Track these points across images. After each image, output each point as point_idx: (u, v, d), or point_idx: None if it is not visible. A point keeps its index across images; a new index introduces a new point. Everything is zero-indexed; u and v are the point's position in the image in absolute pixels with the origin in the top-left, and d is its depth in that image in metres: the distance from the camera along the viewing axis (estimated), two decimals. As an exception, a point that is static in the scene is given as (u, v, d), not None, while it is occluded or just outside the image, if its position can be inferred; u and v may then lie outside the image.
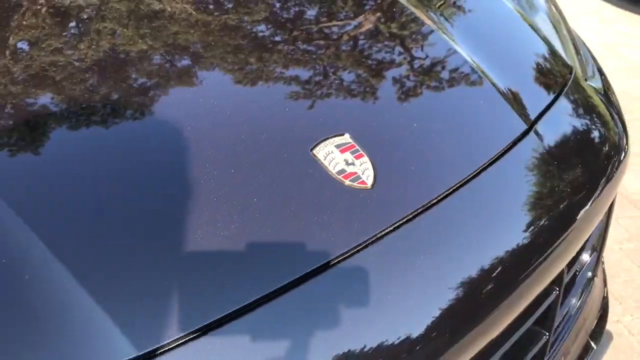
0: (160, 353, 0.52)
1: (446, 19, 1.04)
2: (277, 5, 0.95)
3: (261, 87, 0.77)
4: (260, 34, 0.86)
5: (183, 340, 0.53)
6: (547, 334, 0.92)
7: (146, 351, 0.51)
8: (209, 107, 0.72)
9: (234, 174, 0.65)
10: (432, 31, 0.97)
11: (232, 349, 0.55)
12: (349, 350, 0.59)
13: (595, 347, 1.11)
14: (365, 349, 0.60)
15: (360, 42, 0.90)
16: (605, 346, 1.15)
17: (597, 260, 1.14)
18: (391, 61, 0.88)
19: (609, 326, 1.72)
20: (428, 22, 1.00)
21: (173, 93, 0.73)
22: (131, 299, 0.54)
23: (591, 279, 1.13)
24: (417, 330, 0.64)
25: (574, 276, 1.02)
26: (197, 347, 0.54)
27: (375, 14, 0.99)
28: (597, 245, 1.10)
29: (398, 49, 0.91)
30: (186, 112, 0.71)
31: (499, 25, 1.09)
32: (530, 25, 1.13)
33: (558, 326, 0.98)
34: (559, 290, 0.88)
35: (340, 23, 0.94)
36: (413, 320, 0.65)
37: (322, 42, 0.88)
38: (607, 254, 2.10)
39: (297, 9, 0.97)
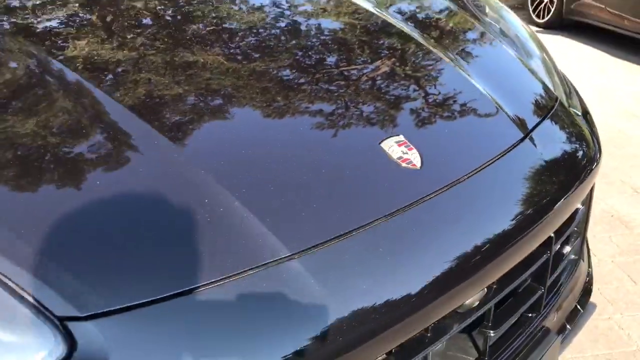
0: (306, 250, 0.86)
1: (462, 59, 1.42)
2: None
3: (343, 105, 1.15)
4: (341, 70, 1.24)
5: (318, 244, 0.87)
6: (542, 288, 1.26)
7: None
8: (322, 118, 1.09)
9: (342, 155, 1.02)
10: (451, 67, 1.35)
11: (343, 259, 0.89)
12: (400, 271, 0.93)
13: (582, 310, 1.44)
14: (412, 275, 0.94)
15: (406, 74, 1.28)
16: (590, 312, 1.48)
17: (582, 244, 1.48)
18: (424, 88, 1.25)
19: (602, 323, 2.06)
20: (447, 60, 1.38)
21: (317, 108, 1.11)
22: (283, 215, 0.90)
23: (577, 258, 1.47)
24: (442, 267, 0.97)
25: (562, 247, 1.36)
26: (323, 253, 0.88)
27: (407, 55, 1.37)
28: (581, 230, 1.44)
29: (427, 80, 1.29)
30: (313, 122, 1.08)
31: (503, 66, 1.47)
32: (527, 67, 1.50)
33: (551, 285, 1.31)
34: (550, 254, 1.23)
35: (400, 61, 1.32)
36: (439, 259, 0.98)
37: (382, 78, 1.26)
38: (601, 266, 2.43)
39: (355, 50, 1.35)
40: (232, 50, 1.27)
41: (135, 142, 0.96)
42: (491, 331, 1.15)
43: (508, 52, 1.53)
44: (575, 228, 1.41)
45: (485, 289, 1.10)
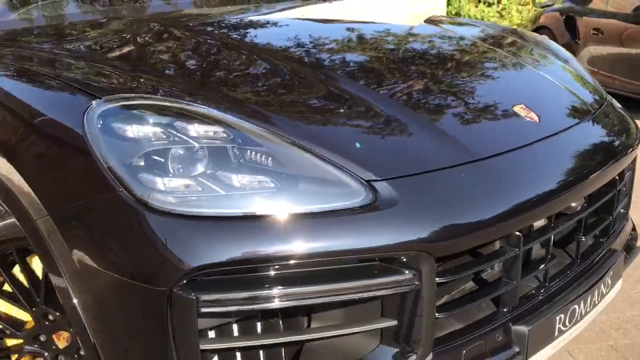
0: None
1: (542, 69, 2.04)
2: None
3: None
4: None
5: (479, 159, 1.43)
6: (611, 216, 1.81)
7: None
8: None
9: (494, 109, 1.61)
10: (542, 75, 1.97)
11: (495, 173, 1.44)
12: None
13: (634, 247, 1.99)
14: (543, 182, 1.50)
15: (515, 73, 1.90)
16: (637, 252, 2.02)
17: (629, 200, 2.04)
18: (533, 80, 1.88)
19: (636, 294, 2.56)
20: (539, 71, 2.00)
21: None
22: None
23: (626, 212, 2.03)
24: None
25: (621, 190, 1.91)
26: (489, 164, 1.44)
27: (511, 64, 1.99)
28: (628, 190, 2.00)
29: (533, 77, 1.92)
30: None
31: (566, 75, 2.08)
32: (583, 76, 2.12)
33: (616, 216, 1.85)
34: (616, 190, 1.78)
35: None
36: (555, 175, 1.54)
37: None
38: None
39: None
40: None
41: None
42: (583, 237, 1.69)
43: (567, 67, 2.15)
44: (624, 188, 1.98)
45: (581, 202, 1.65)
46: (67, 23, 2.22)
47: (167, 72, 1.69)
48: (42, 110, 1.46)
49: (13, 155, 1.46)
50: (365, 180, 1.30)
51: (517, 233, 1.42)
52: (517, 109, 1.64)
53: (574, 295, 1.59)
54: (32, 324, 1.77)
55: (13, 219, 1.60)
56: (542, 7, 7.58)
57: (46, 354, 1.75)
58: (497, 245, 1.46)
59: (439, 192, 1.33)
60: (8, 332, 1.79)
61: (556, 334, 1.55)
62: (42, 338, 1.75)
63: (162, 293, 1.21)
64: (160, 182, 1.28)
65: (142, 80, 1.56)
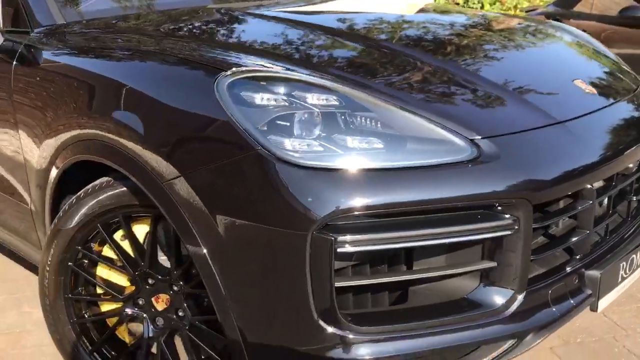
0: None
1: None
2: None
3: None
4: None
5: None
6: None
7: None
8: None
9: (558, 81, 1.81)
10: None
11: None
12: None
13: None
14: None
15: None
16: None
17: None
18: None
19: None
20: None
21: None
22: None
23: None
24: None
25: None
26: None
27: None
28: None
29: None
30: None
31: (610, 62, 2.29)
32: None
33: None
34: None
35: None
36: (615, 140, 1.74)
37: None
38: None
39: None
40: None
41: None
42: (634, 197, 1.90)
43: (601, 52, 2.37)
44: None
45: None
46: (166, 11, 2.41)
47: (277, 52, 1.87)
48: (172, 83, 1.62)
49: (141, 127, 1.60)
50: (469, 139, 1.49)
51: (591, 186, 1.62)
52: (578, 82, 1.85)
53: (632, 246, 1.79)
54: (131, 288, 1.91)
55: (124, 188, 1.74)
56: (527, 12, 7.90)
57: (144, 316, 1.89)
58: (574, 198, 1.65)
59: (532, 149, 1.53)
60: (109, 296, 1.92)
61: (619, 279, 1.75)
62: (141, 302, 1.89)
63: (303, 236, 1.37)
64: (288, 143, 1.45)
65: (257, 58, 1.73)
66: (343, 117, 1.50)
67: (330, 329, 1.43)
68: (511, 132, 1.54)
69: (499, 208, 1.47)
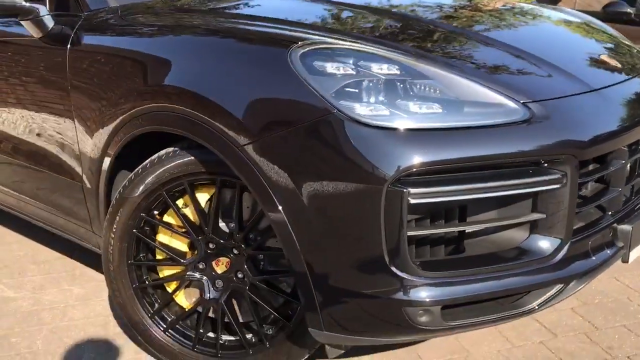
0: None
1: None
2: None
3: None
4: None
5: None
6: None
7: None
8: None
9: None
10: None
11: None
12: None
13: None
14: None
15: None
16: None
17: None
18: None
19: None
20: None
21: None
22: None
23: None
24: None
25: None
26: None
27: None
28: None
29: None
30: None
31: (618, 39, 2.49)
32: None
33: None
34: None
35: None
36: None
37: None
38: None
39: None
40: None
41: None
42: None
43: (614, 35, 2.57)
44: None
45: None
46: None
47: (333, 27, 2.01)
48: (245, 56, 1.75)
49: (216, 97, 1.73)
50: (521, 102, 1.64)
51: (624, 148, 1.79)
52: (604, 57, 2.02)
53: (657, 205, 1.97)
54: (192, 253, 2.03)
55: (190, 157, 1.87)
56: (510, 9, 8.15)
57: (205, 279, 2.01)
58: (608, 158, 1.81)
59: (575, 112, 1.70)
60: (171, 261, 2.03)
61: (647, 233, 1.92)
62: (201, 265, 2.01)
63: (379, 189, 1.52)
64: (358, 107, 1.59)
65: (325, 33, 1.88)
66: (404, 84, 1.64)
67: (400, 274, 1.57)
68: (556, 97, 1.70)
69: (549, 164, 1.63)
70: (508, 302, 1.70)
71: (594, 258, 1.74)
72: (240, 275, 1.98)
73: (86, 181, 2.25)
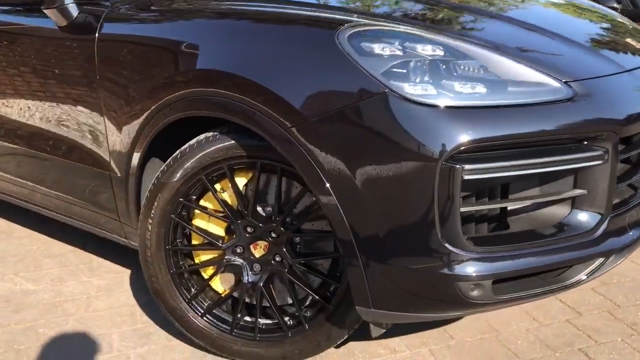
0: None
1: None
2: None
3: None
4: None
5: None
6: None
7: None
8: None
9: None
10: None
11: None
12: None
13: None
14: None
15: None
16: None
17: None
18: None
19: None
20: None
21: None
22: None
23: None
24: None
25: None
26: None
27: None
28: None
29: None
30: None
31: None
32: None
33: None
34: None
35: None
36: None
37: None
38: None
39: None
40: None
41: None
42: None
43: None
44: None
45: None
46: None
47: (387, 10, 2.05)
48: (291, 38, 1.78)
49: (262, 79, 1.74)
50: (563, 81, 1.69)
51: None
52: (629, 39, 2.08)
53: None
54: (228, 238, 2.04)
55: (231, 141, 1.88)
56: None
57: (243, 262, 2.03)
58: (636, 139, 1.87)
59: (613, 91, 1.75)
60: (211, 245, 2.04)
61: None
62: (239, 249, 2.02)
63: (433, 166, 1.55)
64: (407, 87, 1.62)
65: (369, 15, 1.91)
66: (448, 65, 1.68)
67: (453, 250, 1.61)
68: (595, 76, 1.75)
69: (592, 141, 1.68)
70: (550, 276, 1.74)
71: (630, 233, 1.80)
72: (278, 259, 1.99)
73: (115, 170, 2.24)
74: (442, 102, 1.60)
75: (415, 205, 1.60)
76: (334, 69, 1.67)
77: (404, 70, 1.65)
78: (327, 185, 1.67)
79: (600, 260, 1.74)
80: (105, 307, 2.49)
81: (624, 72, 1.83)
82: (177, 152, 1.98)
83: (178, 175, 1.96)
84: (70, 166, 2.44)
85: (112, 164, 2.25)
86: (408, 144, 1.58)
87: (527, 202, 1.70)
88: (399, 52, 1.68)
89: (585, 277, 1.74)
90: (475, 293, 1.64)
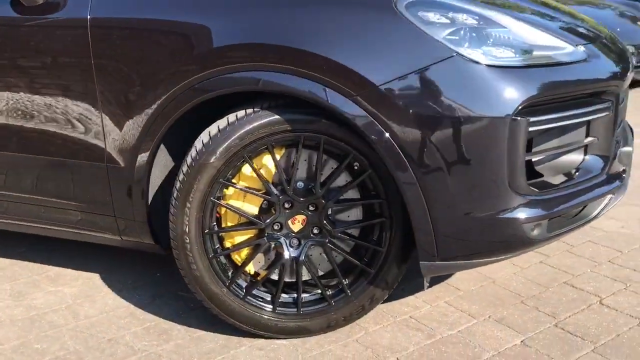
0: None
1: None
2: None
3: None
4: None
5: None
6: None
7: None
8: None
9: None
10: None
11: None
12: None
13: None
14: None
15: None
16: None
17: None
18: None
19: None
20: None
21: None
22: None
23: None
24: None
25: None
26: None
27: None
28: None
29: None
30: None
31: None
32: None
33: None
34: None
35: None
36: None
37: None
38: None
39: None
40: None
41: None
42: None
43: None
44: None
45: None
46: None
47: None
48: (347, 6, 1.84)
49: (321, 49, 1.78)
50: (575, 45, 1.97)
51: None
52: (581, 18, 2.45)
53: None
54: (263, 216, 2.02)
55: (276, 116, 1.89)
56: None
57: (282, 238, 2.03)
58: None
59: (611, 51, 2.07)
60: (251, 224, 2.01)
61: None
62: (276, 226, 2.03)
63: (504, 120, 1.73)
64: (468, 51, 1.78)
65: None
66: (483, 32, 1.86)
67: (521, 195, 1.80)
68: (589, 42, 2.05)
69: (600, 95, 1.98)
70: (570, 215, 2.02)
71: (624, 175, 2.14)
72: (316, 231, 2.03)
73: (117, 160, 2.09)
74: (503, 62, 1.79)
75: (487, 158, 1.77)
76: (397, 36, 1.78)
77: (457, 37, 1.80)
78: (398, 149, 1.77)
79: (610, 197, 2.06)
80: (97, 313, 2.30)
81: (604, 39, 2.17)
82: (213, 130, 1.92)
83: (218, 154, 1.91)
84: (52, 163, 2.22)
85: (113, 155, 2.10)
86: (479, 102, 1.74)
87: (571, 148, 1.95)
88: (447, 21, 1.83)
89: (599, 212, 2.04)
90: (535, 232, 1.85)
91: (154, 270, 2.61)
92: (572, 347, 2.02)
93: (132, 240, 2.25)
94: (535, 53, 1.90)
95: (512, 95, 1.75)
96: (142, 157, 2.04)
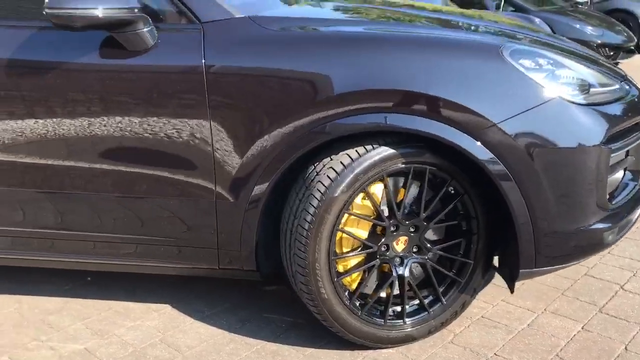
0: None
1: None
2: None
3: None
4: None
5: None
6: None
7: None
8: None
9: None
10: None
11: None
12: None
13: None
14: None
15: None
16: None
17: None
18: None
19: None
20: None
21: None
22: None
23: None
24: None
25: None
26: None
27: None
28: None
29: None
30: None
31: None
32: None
33: None
34: None
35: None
36: None
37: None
38: None
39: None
40: None
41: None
42: None
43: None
44: None
45: None
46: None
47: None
48: (456, 52, 2.12)
49: (447, 92, 2.04)
50: (620, 82, 2.39)
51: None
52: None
53: None
54: (372, 239, 2.25)
55: (393, 151, 2.13)
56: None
57: (395, 258, 2.28)
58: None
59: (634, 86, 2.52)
60: (366, 248, 2.23)
61: None
62: (384, 248, 2.27)
63: (596, 149, 2.11)
64: (564, 93, 2.12)
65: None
66: (554, 73, 2.22)
67: (604, 209, 2.19)
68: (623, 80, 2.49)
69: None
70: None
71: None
72: (415, 250, 2.30)
73: (226, 196, 2.20)
74: (588, 100, 2.16)
75: (581, 181, 2.13)
76: (507, 81, 2.09)
77: (551, 79, 2.15)
78: (509, 173, 2.08)
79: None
80: (197, 343, 2.38)
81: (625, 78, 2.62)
82: (338, 165, 2.10)
83: (345, 187, 2.10)
84: (150, 203, 2.27)
85: (222, 192, 2.21)
86: (577, 134, 2.10)
87: (619, 167, 2.37)
88: (537, 66, 2.17)
89: (638, 216, 2.49)
90: (610, 237, 2.26)
91: (221, 299, 2.72)
92: (623, 329, 2.45)
93: (231, 269, 2.36)
94: (593, 90, 2.29)
95: (600, 128, 2.13)
96: (256, 192, 2.18)
